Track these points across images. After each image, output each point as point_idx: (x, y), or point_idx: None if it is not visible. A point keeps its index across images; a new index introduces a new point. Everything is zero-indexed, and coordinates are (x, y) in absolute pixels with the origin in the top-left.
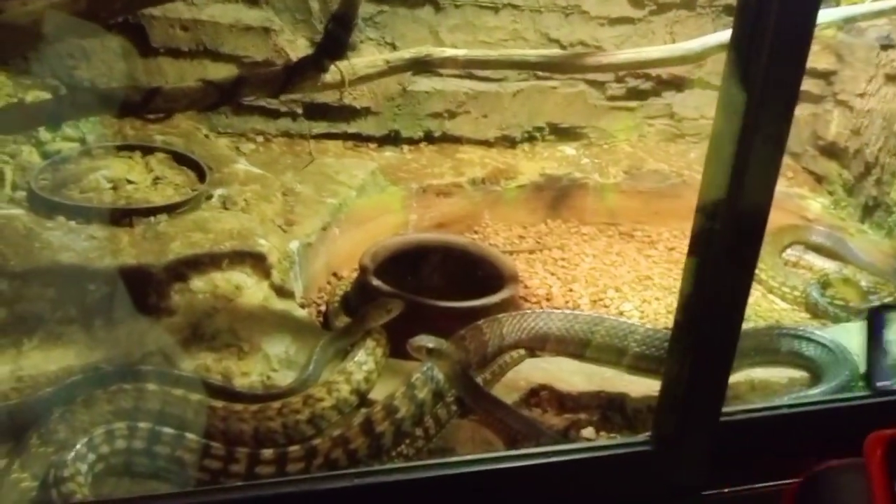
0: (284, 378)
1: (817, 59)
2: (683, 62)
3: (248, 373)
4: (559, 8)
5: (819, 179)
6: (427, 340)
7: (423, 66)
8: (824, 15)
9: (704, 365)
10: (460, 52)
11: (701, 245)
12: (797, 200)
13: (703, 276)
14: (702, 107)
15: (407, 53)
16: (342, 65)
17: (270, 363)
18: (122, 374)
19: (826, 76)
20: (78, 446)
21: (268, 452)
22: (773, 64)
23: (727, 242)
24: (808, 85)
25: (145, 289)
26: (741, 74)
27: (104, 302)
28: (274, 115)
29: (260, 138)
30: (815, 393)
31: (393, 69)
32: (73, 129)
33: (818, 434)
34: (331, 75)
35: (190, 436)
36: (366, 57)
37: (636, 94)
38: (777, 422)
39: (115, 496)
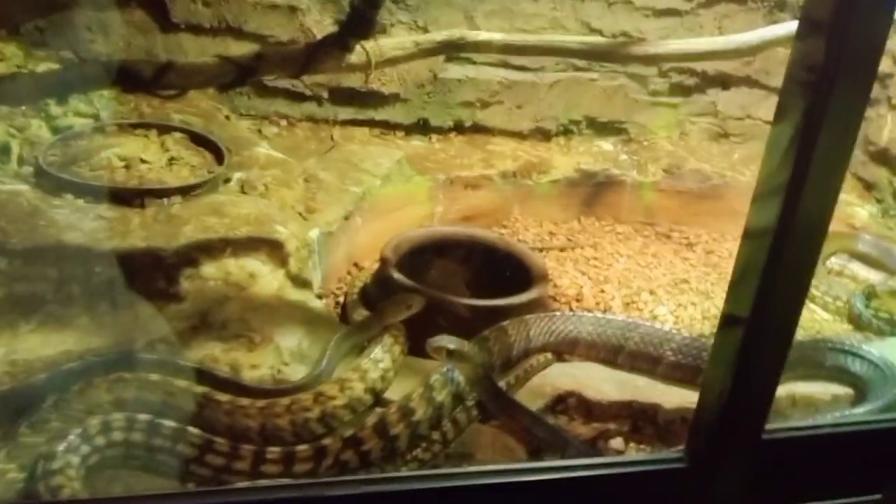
0: (296, 373)
1: None
2: (737, 56)
3: (257, 365)
4: None
5: (868, 187)
6: (448, 341)
7: (455, 49)
8: None
9: (751, 375)
10: (496, 36)
11: (754, 248)
12: (844, 207)
13: (756, 281)
14: (748, 106)
15: (439, 35)
16: (368, 45)
17: (282, 356)
18: (123, 362)
19: (881, 79)
20: (71, 437)
21: (274, 451)
22: (842, 68)
23: (783, 249)
24: None
25: (154, 273)
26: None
27: (109, 285)
28: (299, 98)
29: (283, 122)
30: (861, 412)
31: (423, 51)
32: (87, 104)
33: (863, 456)
34: (356, 56)
35: (192, 430)
36: (394, 38)
37: (680, 90)
38: (821, 442)
39: (110, 492)
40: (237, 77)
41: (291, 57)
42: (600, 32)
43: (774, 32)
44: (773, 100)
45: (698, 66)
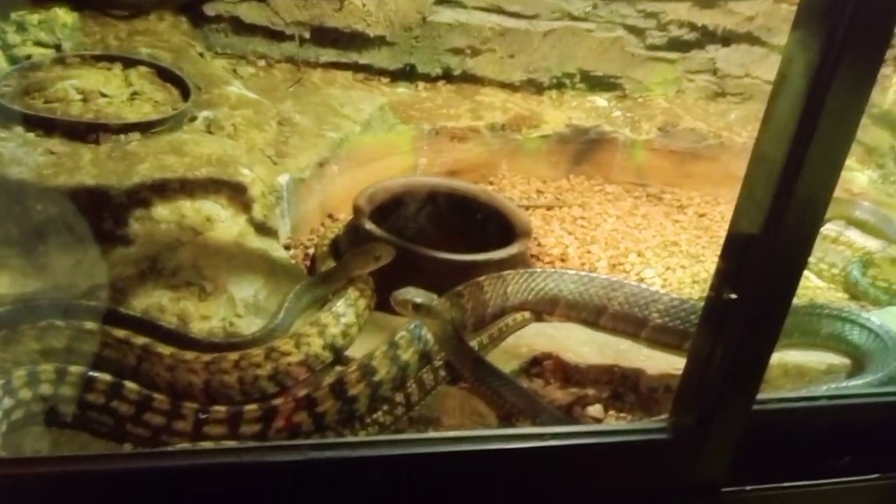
0: (249, 326)
1: None
2: None
3: (208, 317)
4: None
5: (868, 151)
6: (414, 294)
7: None
8: None
9: (743, 344)
10: None
11: (753, 204)
12: (843, 172)
13: (753, 241)
14: (748, 64)
15: None
16: None
17: (235, 308)
18: (56, 309)
19: None
20: None
21: (219, 410)
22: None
23: (787, 203)
24: None
25: (101, 213)
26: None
27: (51, 225)
28: (278, 37)
29: (261, 62)
30: (860, 384)
31: None
32: (48, 33)
33: (856, 430)
34: None
35: (129, 385)
36: None
37: (678, 45)
38: (814, 414)
39: (36, 451)
40: None
41: None
42: None
43: None
44: (775, 59)
45: (699, 19)
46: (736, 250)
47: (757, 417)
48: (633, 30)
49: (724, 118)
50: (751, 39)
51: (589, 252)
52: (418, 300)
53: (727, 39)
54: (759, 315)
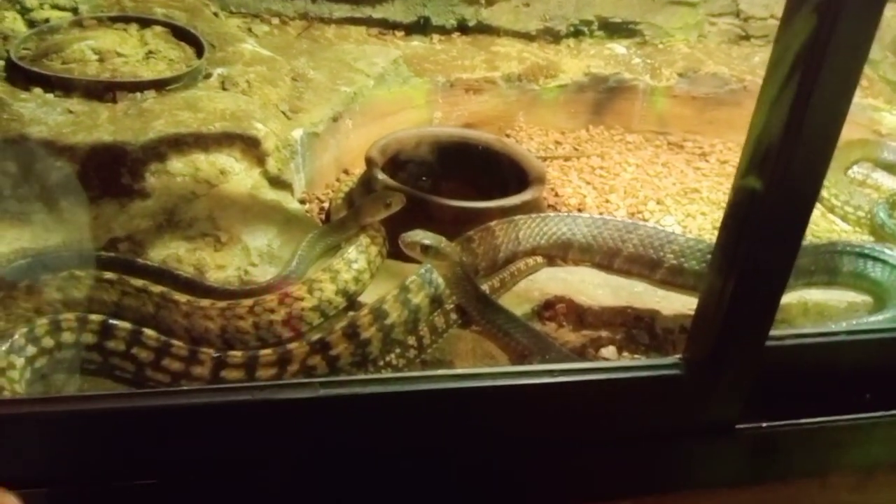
0: (264, 274)
1: None
2: None
3: (223, 266)
4: None
5: None
6: (422, 236)
7: None
8: None
9: (755, 278)
10: None
11: (762, 137)
12: (870, 113)
13: (763, 172)
14: (772, 5)
15: None
16: None
17: (250, 256)
18: (77, 260)
19: None
20: (15, 337)
21: (236, 355)
22: None
23: (797, 136)
24: None
25: (118, 168)
26: None
27: (71, 180)
28: None
29: (276, 20)
30: (879, 319)
31: None
32: None
33: (878, 367)
34: None
35: (148, 332)
36: None
37: None
38: (831, 350)
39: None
40: None
41: None
42: None
43: None
44: None
45: None
46: (746, 183)
47: (772, 353)
48: None
49: (747, 62)
50: None
51: (607, 201)
52: (427, 241)
53: None
54: (769, 248)
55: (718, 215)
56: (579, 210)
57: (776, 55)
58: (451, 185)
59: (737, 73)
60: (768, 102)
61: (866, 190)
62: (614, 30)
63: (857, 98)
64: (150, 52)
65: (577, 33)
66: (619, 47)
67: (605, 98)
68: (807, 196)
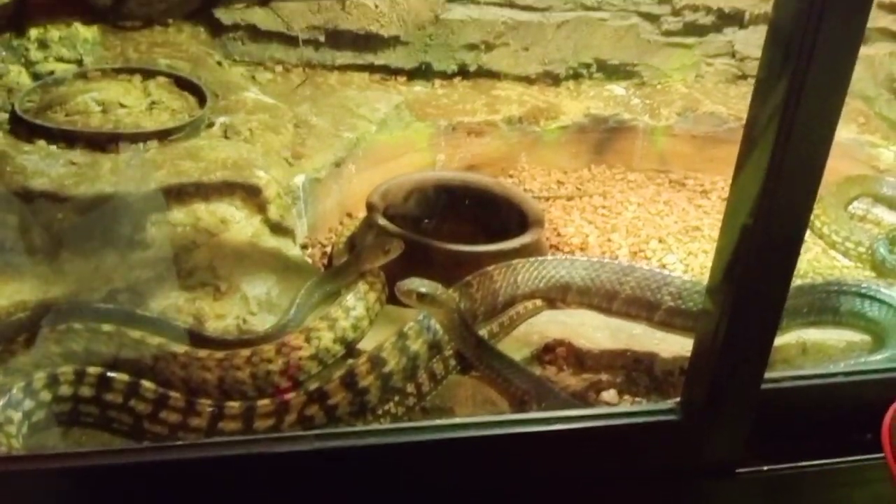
0: (263, 322)
1: None
2: None
3: (222, 315)
4: None
5: (894, 126)
6: (418, 284)
7: None
8: None
9: (747, 320)
10: None
11: (747, 180)
12: (868, 149)
13: (749, 215)
14: None
15: None
16: None
17: (248, 305)
18: (76, 312)
19: None
20: (13, 391)
21: (233, 406)
22: None
23: (778, 178)
24: (886, 21)
25: (119, 219)
26: None
27: (72, 232)
28: (294, 43)
29: (279, 68)
30: (878, 359)
31: None
32: (69, 49)
33: (877, 406)
34: None
35: (146, 384)
36: None
37: (694, 30)
38: (829, 391)
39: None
40: (202, 4)
41: None
42: None
43: None
44: None
45: (714, 2)
46: (733, 227)
47: (769, 396)
48: (647, 16)
49: (744, 100)
50: (768, 20)
51: (609, 240)
52: (423, 289)
53: (744, 21)
54: (759, 290)
55: None
56: (582, 250)
57: (755, 100)
58: (452, 228)
59: (734, 111)
60: (749, 148)
61: (867, 225)
62: (612, 71)
63: (855, 134)
64: (154, 102)
65: (576, 76)
66: (617, 88)
67: (605, 138)
68: (792, 237)
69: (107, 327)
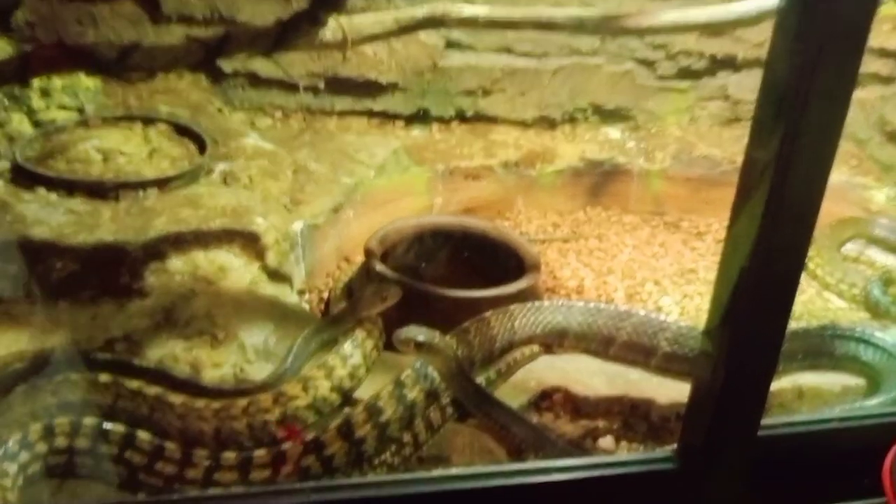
0: (260, 371)
1: (887, 38)
2: (736, 26)
3: (219, 364)
4: None
5: (886, 168)
6: (416, 332)
7: (438, 25)
8: None
9: (742, 367)
10: (481, 11)
11: (742, 226)
12: (860, 191)
13: (744, 259)
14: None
15: (420, 11)
16: (343, 20)
17: (246, 354)
18: (72, 362)
19: None
20: (9, 444)
21: (229, 456)
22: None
23: (774, 223)
24: (876, 65)
25: (118, 268)
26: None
27: (71, 281)
28: (294, 89)
29: (279, 113)
30: (873, 404)
31: (403, 28)
32: (71, 97)
33: (874, 451)
34: (331, 33)
35: (142, 435)
36: (372, 14)
37: (688, 74)
38: (826, 437)
39: (53, 502)
40: (205, 56)
41: (261, 34)
42: None
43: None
44: None
45: (707, 48)
46: (728, 275)
47: (765, 443)
48: (642, 62)
49: (738, 143)
50: (761, 64)
51: (605, 283)
52: (420, 338)
53: (737, 65)
54: (756, 335)
55: None
56: (578, 292)
57: (751, 146)
58: (450, 273)
59: (728, 154)
60: (745, 195)
61: (861, 266)
62: (608, 115)
63: (847, 176)
64: (154, 150)
65: (571, 120)
66: (613, 132)
67: (601, 181)
68: (788, 281)
69: (104, 377)
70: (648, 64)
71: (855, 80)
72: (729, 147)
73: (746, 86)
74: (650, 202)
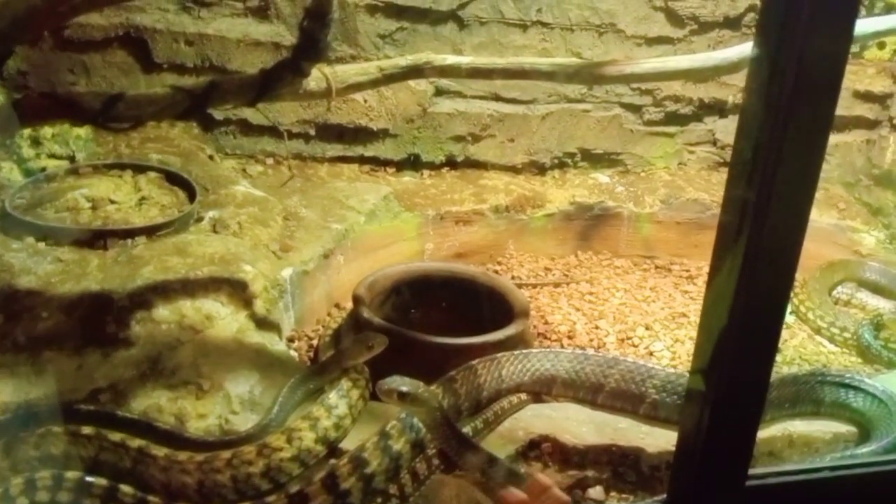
0: (245, 422)
1: (872, 82)
2: (717, 73)
3: (204, 415)
4: (592, 26)
5: (874, 211)
6: (399, 383)
7: (421, 74)
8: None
9: (727, 416)
10: (464, 60)
11: (723, 274)
12: (849, 234)
13: (727, 310)
14: None
15: (403, 60)
16: (327, 70)
17: (231, 404)
18: (55, 415)
19: (882, 100)
20: None
21: None
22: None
23: (753, 269)
24: (861, 109)
25: (104, 317)
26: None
27: (57, 331)
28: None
29: (269, 160)
30: (864, 452)
31: (387, 77)
32: (62, 146)
33: (866, 501)
34: (315, 82)
35: (124, 488)
36: (357, 64)
37: (676, 119)
38: (816, 487)
39: None
40: (190, 106)
41: (246, 84)
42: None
43: None
44: None
45: (694, 93)
46: (711, 324)
47: (753, 491)
48: (629, 107)
49: None
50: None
51: (597, 328)
52: (403, 388)
53: (723, 110)
54: (739, 385)
55: None
56: (569, 338)
57: (728, 193)
58: (439, 319)
59: (717, 198)
60: (723, 247)
61: (852, 310)
62: (597, 160)
63: (836, 220)
64: (143, 198)
65: (561, 165)
66: (602, 176)
67: (591, 225)
68: (770, 328)
69: (86, 430)
70: (635, 109)
71: (830, 126)
72: (717, 191)
73: (733, 130)
74: (640, 246)
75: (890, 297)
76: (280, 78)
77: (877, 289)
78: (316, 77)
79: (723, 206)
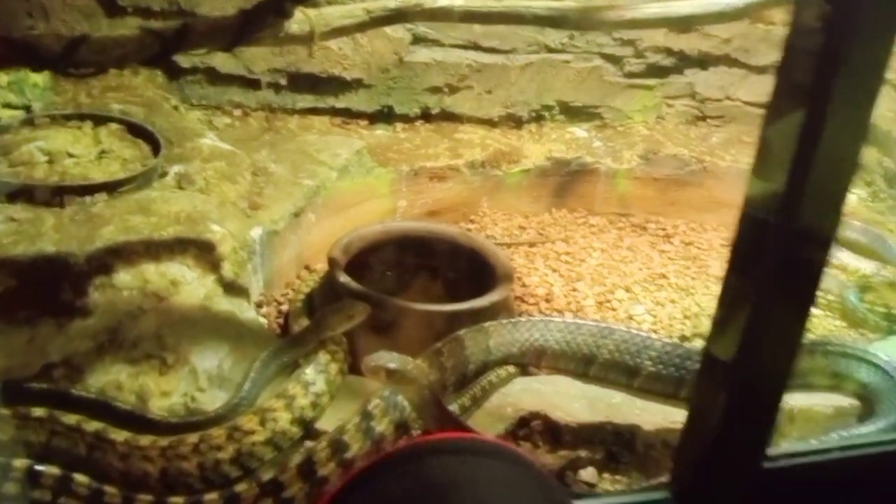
0: (213, 400)
1: None
2: (721, 20)
3: (168, 392)
4: None
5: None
6: (387, 359)
7: (411, 18)
8: None
9: (748, 397)
10: (456, 2)
11: (750, 254)
12: None
13: (752, 290)
14: (727, 87)
15: (392, 2)
16: (311, 12)
17: (198, 380)
18: (2, 394)
19: None
20: None
21: (176, 501)
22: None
23: (786, 249)
24: None
25: (59, 283)
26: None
27: (6, 298)
28: (255, 86)
29: (237, 112)
30: (874, 430)
31: (375, 20)
32: (17, 95)
33: (880, 483)
34: (298, 25)
35: (79, 478)
36: (342, 6)
37: (656, 71)
38: (832, 468)
39: None
40: (161, 50)
41: (223, 27)
42: None
43: None
44: (754, 79)
45: (676, 44)
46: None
47: (769, 475)
48: (610, 58)
49: (705, 142)
50: (729, 61)
51: (575, 290)
52: (392, 365)
53: (705, 63)
54: (764, 359)
55: (688, 302)
56: (547, 301)
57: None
58: (418, 282)
59: (696, 153)
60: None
61: (833, 271)
62: (575, 114)
63: None
64: (104, 151)
65: (538, 118)
66: (579, 131)
67: (567, 181)
68: (805, 293)
69: (38, 412)
70: (616, 60)
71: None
72: (696, 146)
73: (713, 83)
74: (617, 203)
75: (871, 257)
76: (261, 20)
77: (858, 249)
78: (298, 19)
79: (754, 165)
